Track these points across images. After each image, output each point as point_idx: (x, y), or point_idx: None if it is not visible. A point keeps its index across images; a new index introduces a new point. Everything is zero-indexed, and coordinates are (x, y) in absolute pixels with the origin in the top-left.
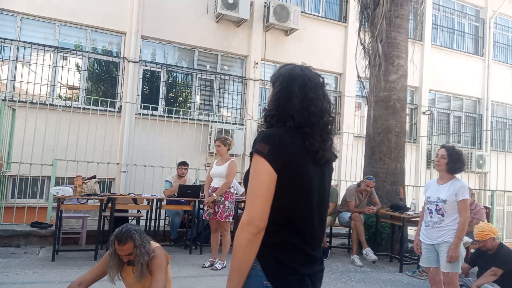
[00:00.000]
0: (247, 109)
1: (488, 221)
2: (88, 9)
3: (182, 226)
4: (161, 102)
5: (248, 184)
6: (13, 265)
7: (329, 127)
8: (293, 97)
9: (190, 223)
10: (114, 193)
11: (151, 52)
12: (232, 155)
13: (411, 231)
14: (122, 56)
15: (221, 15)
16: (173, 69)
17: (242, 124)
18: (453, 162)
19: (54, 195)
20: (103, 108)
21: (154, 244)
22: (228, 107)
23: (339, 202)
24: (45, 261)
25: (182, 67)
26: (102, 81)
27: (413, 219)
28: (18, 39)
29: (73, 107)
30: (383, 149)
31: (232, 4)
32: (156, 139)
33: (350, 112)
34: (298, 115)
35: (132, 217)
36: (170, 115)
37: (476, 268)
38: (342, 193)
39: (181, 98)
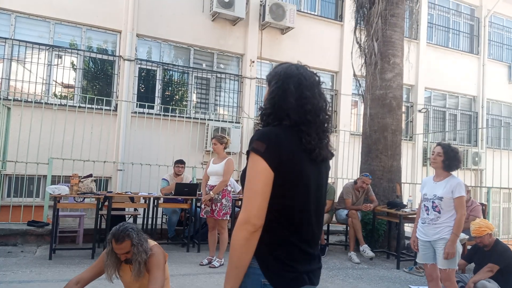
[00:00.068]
0: (244, 108)
1: (484, 217)
2: (83, 8)
3: (179, 224)
4: (157, 100)
5: (245, 183)
6: (10, 264)
7: (326, 125)
8: (289, 95)
9: (188, 221)
10: (111, 192)
11: (147, 50)
12: (228, 153)
13: (407, 228)
14: (117, 54)
15: (217, 13)
16: (169, 68)
17: (239, 123)
18: (449, 160)
19: (50, 193)
20: (99, 107)
21: (152, 243)
22: (225, 106)
23: (336, 200)
24: (42, 259)
25: (178, 66)
26: (98, 79)
27: (410, 216)
28: (12, 38)
29: (69, 105)
30: (380, 147)
31: (228, 3)
32: (152, 137)
33: (346, 110)
34: (294, 113)
35: (129, 216)
36: (166, 114)
37: (472, 265)
38: (339, 191)
39: (177, 97)
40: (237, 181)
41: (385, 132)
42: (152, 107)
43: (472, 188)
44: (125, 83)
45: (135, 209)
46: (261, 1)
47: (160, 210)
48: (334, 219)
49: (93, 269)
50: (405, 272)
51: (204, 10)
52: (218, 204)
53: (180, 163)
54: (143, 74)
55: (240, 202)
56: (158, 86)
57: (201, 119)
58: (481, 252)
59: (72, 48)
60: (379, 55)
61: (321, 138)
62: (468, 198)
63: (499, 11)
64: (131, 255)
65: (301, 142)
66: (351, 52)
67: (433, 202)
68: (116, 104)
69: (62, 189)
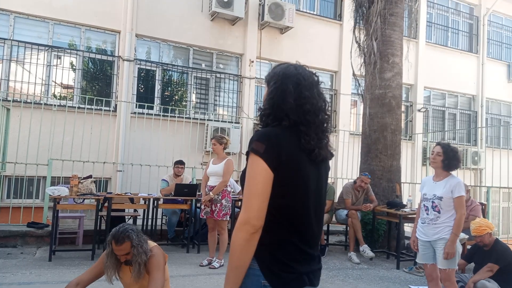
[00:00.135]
0: (243, 108)
1: (483, 217)
2: (82, 8)
3: (179, 225)
4: (157, 101)
5: (245, 184)
6: (10, 266)
7: (325, 125)
8: (288, 95)
9: (187, 222)
10: (111, 193)
11: (146, 50)
12: (228, 153)
13: (407, 228)
14: (116, 55)
15: (216, 13)
16: (168, 68)
17: (238, 123)
18: (448, 159)
19: (50, 195)
20: (98, 107)
21: (152, 244)
22: (224, 106)
23: (336, 200)
24: (42, 261)
25: (177, 66)
26: (97, 80)
27: (410, 216)
28: (11, 38)
29: (68, 106)
30: (379, 146)
31: (227, 3)
32: (152, 138)
33: (346, 110)
34: (293, 113)
35: (129, 217)
36: (165, 114)
37: (472, 264)
38: (338, 191)
39: (176, 97)
40: (236, 181)
41: (385, 131)
42: (152, 108)
43: (471, 188)
44: (125, 84)
45: (135, 210)
46: (260, 1)
47: (160, 211)
48: (334, 219)
49: (93, 270)
50: (405, 272)
51: (203, 10)
52: (218, 204)
53: (179, 163)
54: (142, 74)
55: (240, 202)
56: (158, 87)
57: (200, 119)
58: (481, 252)
59: (71, 49)
60: (378, 54)
61: (320, 138)
62: (468, 197)
63: (498, 9)
64: (131, 256)
65: (300, 142)
66: (350, 52)
67: (432, 202)
68: (116, 105)
69: (62, 190)
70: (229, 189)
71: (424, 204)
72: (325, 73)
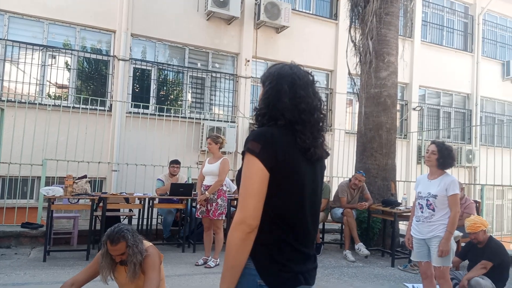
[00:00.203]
0: (239, 107)
1: (477, 215)
2: (76, 7)
3: (174, 225)
4: (152, 100)
5: (241, 183)
6: (4, 266)
7: (320, 124)
8: (283, 95)
9: (183, 222)
10: (106, 193)
11: (141, 50)
12: (224, 153)
13: (402, 226)
14: (112, 54)
15: (211, 12)
16: (163, 67)
17: (234, 122)
18: (443, 158)
19: (44, 195)
20: (93, 107)
21: (147, 243)
22: (220, 105)
23: (331, 198)
24: (36, 261)
25: (173, 65)
26: (92, 79)
27: (404, 214)
28: (5, 38)
29: (63, 106)
30: (375, 145)
31: (222, 2)
32: (147, 137)
33: (341, 109)
34: (288, 113)
35: (124, 217)
36: (161, 114)
37: (466, 262)
38: (334, 189)
39: (172, 96)
40: (232, 180)
41: (380, 130)
42: (147, 107)
43: (466, 186)
44: (120, 83)
45: (130, 210)
46: (256, 0)
47: (155, 210)
48: (329, 217)
49: (87, 270)
50: (400, 270)
51: (199, 9)
52: (214, 204)
53: (175, 163)
54: (137, 74)
55: (235, 202)
56: (153, 86)
57: (196, 118)
58: (475, 249)
59: (66, 48)
60: (374, 53)
61: (316, 137)
62: (462, 195)
63: (492, 8)
64: (126, 256)
65: (296, 141)
66: (346, 51)
67: (427, 200)
68: (111, 104)
69: (56, 191)
70: (224, 188)
71: (418, 202)
72: (321, 72)
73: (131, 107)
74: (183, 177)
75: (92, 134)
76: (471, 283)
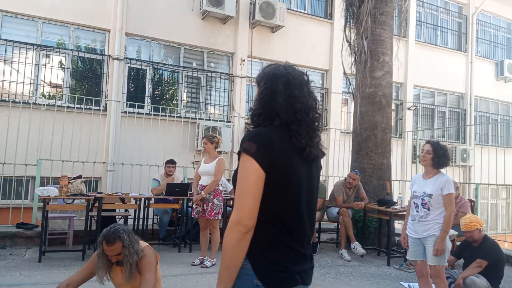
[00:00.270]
0: (235, 106)
1: (472, 213)
2: (71, 6)
3: (170, 225)
4: (147, 100)
5: (237, 184)
6: None
7: (316, 123)
8: (278, 95)
9: (179, 222)
10: (101, 193)
11: (136, 49)
12: (220, 152)
13: (398, 225)
14: (106, 53)
15: (206, 12)
16: (159, 67)
17: (230, 121)
18: (438, 157)
19: (39, 195)
20: (88, 107)
21: (143, 244)
22: (215, 105)
23: (327, 198)
24: (31, 262)
25: (168, 65)
26: (87, 79)
27: (400, 213)
28: None
29: (57, 106)
30: (370, 144)
31: (217, 1)
32: (143, 137)
33: (337, 108)
34: (284, 112)
35: (120, 217)
36: (156, 113)
37: (462, 260)
38: (330, 189)
39: (167, 96)
40: (228, 180)
41: (375, 130)
42: (142, 107)
43: (460, 185)
44: (115, 83)
45: (126, 210)
46: (251, 0)
47: (151, 210)
48: (325, 217)
49: (83, 271)
50: (396, 269)
51: (194, 8)
52: (210, 203)
53: (171, 163)
54: (132, 73)
55: (231, 201)
56: (148, 86)
57: (191, 118)
58: (470, 248)
59: (60, 48)
60: (369, 53)
61: (311, 137)
62: (457, 194)
63: (486, 8)
64: (122, 256)
65: (291, 141)
66: (341, 51)
67: (422, 200)
68: (106, 104)
69: (51, 191)
70: (220, 188)
71: (414, 202)
72: (316, 71)
73: (126, 106)
74: (179, 177)
75: (87, 134)
76: (466, 282)
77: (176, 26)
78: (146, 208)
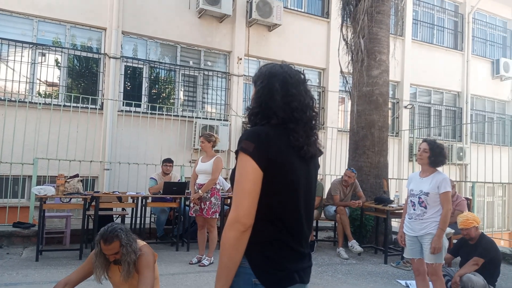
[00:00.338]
0: (232, 105)
1: (469, 211)
2: (66, 5)
3: (168, 223)
4: (144, 98)
5: (234, 182)
6: None
7: (313, 122)
8: (275, 93)
9: (176, 220)
10: (98, 192)
11: (133, 48)
12: (217, 151)
13: (395, 223)
14: (102, 52)
15: (203, 10)
16: (155, 65)
17: (227, 120)
18: (435, 156)
19: (36, 194)
20: (84, 105)
21: (141, 243)
22: (212, 103)
23: (325, 196)
24: (29, 261)
25: (165, 63)
26: (83, 77)
27: (397, 211)
28: None
29: (53, 104)
30: (367, 143)
31: (214, 0)
32: (139, 136)
33: (333, 107)
34: (281, 111)
35: (117, 216)
36: (153, 112)
37: (458, 258)
38: (327, 187)
39: (164, 95)
40: (225, 179)
41: (372, 128)
42: (139, 105)
43: (457, 183)
44: (111, 81)
45: (123, 209)
46: None
47: (148, 209)
48: (322, 215)
49: (81, 270)
50: (393, 267)
51: (191, 7)
52: (207, 202)
53: (168, 162)
54: (129, 72)
55: (229, 200)
56: (145, 84)
57: (188, 117)
58: (466, 246)
59: (56, 46)
60: (366, 52)
61: (309, 135)
62: (453, 192)
63: (482, 7)
64: (120, 255)
65: (289, 140)
66: (338, 49)
67: (419, 198)
68: (102, 103)
69: (48, 190)
70: (218, 187)
71: (411, 200)
72: (313, 70)
73: (123, 105)
74: (176, 175)
75: (84, 132)
76: (463, 280)
77: (172, 25)
78: (143, 207)
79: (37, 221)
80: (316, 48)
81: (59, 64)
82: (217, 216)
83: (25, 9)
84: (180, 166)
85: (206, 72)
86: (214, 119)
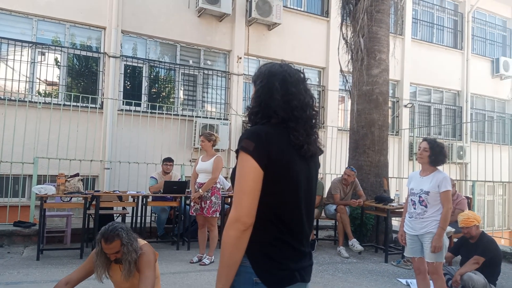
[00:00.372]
0: (231, 104)
1: (469, 210)
2: (66, 4)
3: (168, 223)
4: (144, 97)
5: (235, 182)
6: None
7: (313, 121)
8: (275, 92)
9: (177, 219)
10: (98, 191)
11: (132, 47)
12: (217, 150)
13: (395, 222)
14: (102, 51)
15: (203, 9)
16: (155, 65)
17: (227, 119)
18: (435, 155)
19: (36, 193)
20: (84, 105)
21: (142, 242)
22: (212, 102)
23: (325, 195)
24: (29, 260)
25: (165, 62)
26: (82, 77)
27: (397, 210)
28: None
29: (53, 103)
30: (367, 142)
31: None
32: (139, 135)
33: (333, 106)
34: (281, 110)
35: (118, 215)
36: (153, 111)
37: (459, 257)
38: (327, 186)
39: (164, 94)
40: (226, 178)
41: (372, 127)
42: (139, 105)
43: (457, 182)
44: (111, 80)
45: (124, 208)
46: None
47: (149, 208)
48: (323, 214)
49: (82, 269)
50: (393, 266)
51: (190, 6)
52: (208, 201)
53: (168, 161)
54: (128, 71)
55: (229, 199)
56: (145, 83)
57: (188, 116)
58: (467, 245)
59: (56, 45)
60: (365, 51)
61: (309, 134)
62: (454, 191)
63: (482, 6)
64: (121, 254)
65: (289, 139)
66: (338, 48)
67: (419, 197)
68: (102, 102)
69: (49, 189)
70: (218, 186)
71: (411, 199)
72: (313, 69)
73: (123, 104)
74: (176, 174)
75: (84, 132)
76: (463, 278)
77: (172, 24)
78: (144, 206)
79: (37, 220)
80: (316, 47)
81: (58, 63)
82: (218, 215)
83: (24, 8)
84: (180, 165)
85: (206, 71)
86: (214, 118)
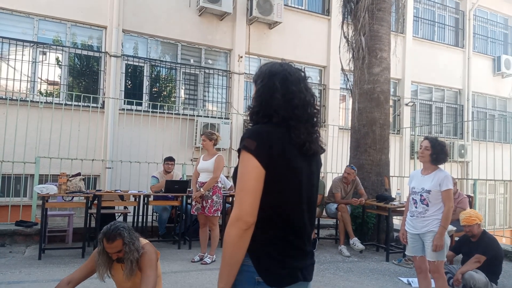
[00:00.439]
0: (233, 103)
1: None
2: (66, 3)
3: (170, 222)
4: (145, 97)
5: (237, 181)
6: None
7: (314, 119)
8: (275, 91)
9: (178, 218)
10: (100, 190)
11: (133, 46)
12: (218, 149)
13: (396, 220)
14: (103, 50)
15: (203, 8)
16: (156, 64)
17: (228, 118)
18: (436, 153)
19: (38, 193)
20: (86, 104)
21: (143, 241)
22: (213, 101)
23: (326, 194)
24: (31, 260)
25: (166, 62)
26: (84, 76)
27: (398, 209)
28: None
29: (55, 103)
30: (368, 141)
31: None
32: (141, 134)
33: (335, 105)
34: (282, 109)
35: (119, 214)
36: (154, 110)
37: (460, 256)
38: (328, 185)
39: (165, 93)
40: (227, 177)
41: (373, 126)
42: (140, 104)
43: (458, 180)
44: (112, 80)
45: (125, 207)
46: None
47: (150, 207)
48: (324, 213)
49: (84, 268)
50: (394, 264)
51: (191, 5)
52: (209, 200)
53: (169, 160)
54: (130, 70)
55: (230, 198)
56: (146, 83)
57: (190, 115)
58: (468, 243)
59: (57, 45)
60: (367, 49)
61: (310, 133)
62: (455, 190)
63: (483, 4)
64: (122, 254)
65: (291, 137)
66: (339, 47)
67: (421, 195)
68: (103, 101)
69: (50, 189)
70: (219, 185)
71: (412, 198)
72: (314, 68)
73: (124, 104)
74: (177, 174)
75: (85, 131)
76: (465, 277)
77: (173, 23)
78: (145, 205)
79: (39, 220)
80: (317, 46)
81: (60, 63)
82: (219, 214)
83: (25, 8)
84: (182, 164)
85: (207, 70)
86: (215, 117)
